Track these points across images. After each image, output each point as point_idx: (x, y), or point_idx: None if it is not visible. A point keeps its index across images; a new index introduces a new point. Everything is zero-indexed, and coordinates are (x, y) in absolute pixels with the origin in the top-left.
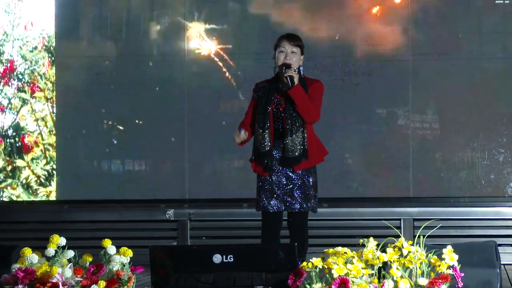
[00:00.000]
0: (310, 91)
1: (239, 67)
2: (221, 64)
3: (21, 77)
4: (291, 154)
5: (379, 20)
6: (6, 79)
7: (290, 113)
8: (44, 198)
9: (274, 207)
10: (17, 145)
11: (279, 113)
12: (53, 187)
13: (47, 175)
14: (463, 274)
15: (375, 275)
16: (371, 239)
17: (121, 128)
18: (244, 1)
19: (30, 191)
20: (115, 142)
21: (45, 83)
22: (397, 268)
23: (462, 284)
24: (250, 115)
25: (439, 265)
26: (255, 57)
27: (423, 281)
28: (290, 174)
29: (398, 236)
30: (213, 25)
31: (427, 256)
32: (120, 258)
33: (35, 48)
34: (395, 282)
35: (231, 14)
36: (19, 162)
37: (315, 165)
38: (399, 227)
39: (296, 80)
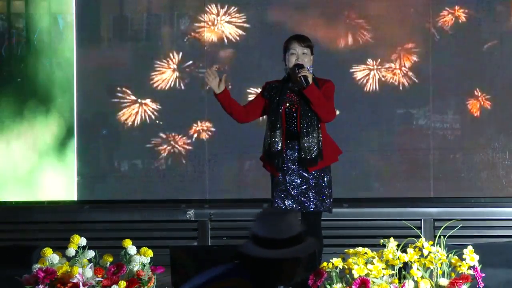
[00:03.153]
0: (322, 91)
1: (260, 66)
2: (240, 64)
3: None
4: (308, 155)
5: (400, 19)
6: None
7: (305, 113)
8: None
9: (289, 207)
10: None
11: (292, 113)
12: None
13: None
14: (484, 275)
15: (396, 276)
16: (392, 239)
17: (141, 128)
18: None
19: None
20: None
21: None
22: (417, 269)
23: (483, 284)
24: (250, 103)
25: (459, 266)
26: (275, 58)
27: (444, 282)
28: (305, 174)
29: (418, 237)
30: (233, 26)
31: (447, 256)
32: (140, 258)
33: None
34: (416, 283)
35: (251, 14)
36: None
37: (330, 165)
38: (419, 228)
39: (310, 79)
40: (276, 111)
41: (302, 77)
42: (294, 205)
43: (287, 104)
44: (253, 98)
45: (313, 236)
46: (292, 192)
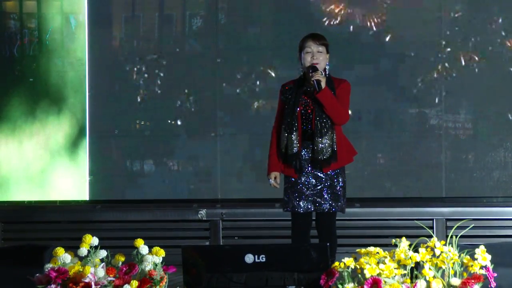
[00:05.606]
0: (337, 91)
1: (273, 67)
2: (254, 64)
3: None
4: (321, 156)
5: (412, 19)
6: None
7: (320, 115)
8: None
9: (304, 208)
10: None
11: (308, 115)
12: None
13: None
14: (496, 274)
15: (408, 275)
16: (404, 239)
17: (152, 128)
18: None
19: None
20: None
21: None
22: (429, 268)
23: (495, 284)
24: (279, 114)
25: (471, 265)
26: (290, 56)
27: (456, 281)
28: (319, 174)
29: (430, 236)
30: (247, 24)
31: (459, 256)
32: (152, 258)
33: None
34: (428, 282)
35: (264, 14)
36: None
37: (344, 166)
38: (431, 227)
39: (323, 84)
40: (292, 113)
41: (315, 81)
42: (309, 206)
43: (303, 106)
44: (277, 107)
45: (327, 236)
46: (307, 193)
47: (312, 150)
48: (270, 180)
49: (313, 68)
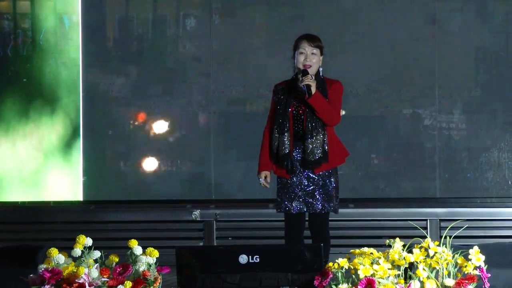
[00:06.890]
0: (330, 93)
1: (267, 66)
2: (248, 63)
3: None
4: (311, 157)
5: (406, 19)
6: None
7: (311, 116)
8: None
9: (296, 209)
10: None
11: (299, 115)
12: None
13: None
14: (489, 275)
15: (402, 276)
16: (398, 239)
17: (146, 128)
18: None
19: None
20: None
21: None
22: (423, 269)
23: (488, 284)
24: (272, 113)
25: (465, 266)
26: (284, 57)
27: (450, 282)
28: (311, 175)
29: (424, 237)
30: (241, 25)
31: (453, 256)
32: (146, 259)
33: None
34: (422, 283)
35: (258, 13)
36: None
37: (336, 166)
38: (425, 228)
39: (313, 89)
40: (284, 114)
41: (305, 86)
42: (301, 206)
43: (294, 107)
44: (269, 107)
45: (320, 236)
46: (299, 193)
47: (303, 151)
48: (260, 179)
49: (304, 72)
